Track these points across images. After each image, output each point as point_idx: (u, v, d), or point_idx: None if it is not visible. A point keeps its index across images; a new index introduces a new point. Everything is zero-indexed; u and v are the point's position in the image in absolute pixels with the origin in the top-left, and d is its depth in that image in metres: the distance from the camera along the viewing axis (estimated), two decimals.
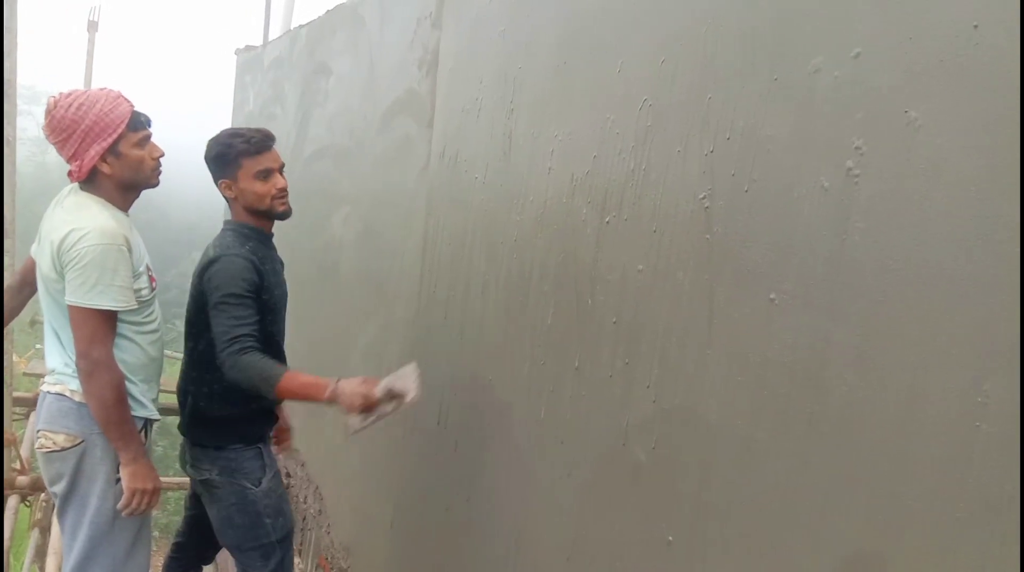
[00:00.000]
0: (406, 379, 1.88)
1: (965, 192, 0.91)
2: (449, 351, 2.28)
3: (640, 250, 1.48)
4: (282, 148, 4.56)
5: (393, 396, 1.87)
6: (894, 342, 0.98)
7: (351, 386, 1.88)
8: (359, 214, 3.16)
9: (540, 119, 1.87)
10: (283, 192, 2.23)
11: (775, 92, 1.20)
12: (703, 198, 1.33)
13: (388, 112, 2.90)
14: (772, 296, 1.18)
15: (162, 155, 2.18)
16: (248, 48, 5.89)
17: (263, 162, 2.19)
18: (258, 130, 2.24)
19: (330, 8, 3.83)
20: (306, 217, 3.53)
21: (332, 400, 1.89)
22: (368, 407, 1.86)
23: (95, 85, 7.00)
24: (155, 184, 2.20)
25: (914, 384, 0.95)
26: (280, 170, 2.24)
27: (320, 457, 3.41)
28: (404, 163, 2.72)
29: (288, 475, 3.87)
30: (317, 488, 3.41)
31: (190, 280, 2.32)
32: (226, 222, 2.30)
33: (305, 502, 3.56)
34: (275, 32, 5.89)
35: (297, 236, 3.67)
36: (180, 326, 2.47)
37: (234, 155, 2.17)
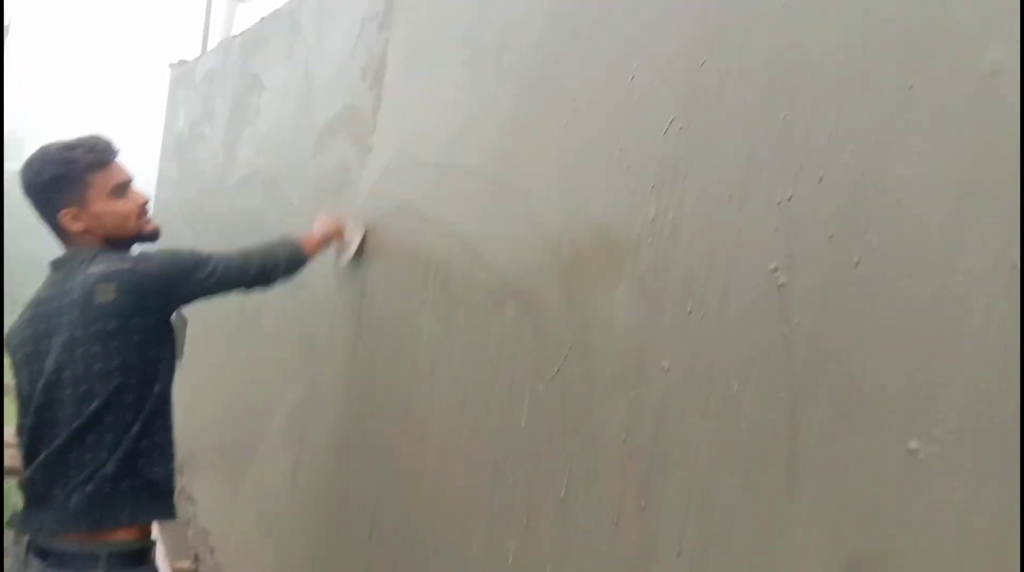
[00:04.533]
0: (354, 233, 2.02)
1: None
2: (387, 441, 1.76)
3: (666, 338, 1.00)
4: (209, 171, 4.04)
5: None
6: None
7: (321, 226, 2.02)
8: None
9: (514, 146, 1.40)
10: (145, 208, 1.73)
11: (910, 108, 0.75)
12: (775, 270, 0.86)
13: (323, 133, 2.40)
14: (912, 445, 0.70)
15: None
16: (182, 62, 5.34)
17: (116, 174, 1.68)
18: (95, 136, 1.69)
19: (265, 15, 3.33)
20: None
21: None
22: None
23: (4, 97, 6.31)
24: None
25: None
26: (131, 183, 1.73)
27: (232, 547, 2.83)
28: (339, 195, 2.22)
29: (197, 559, 3.26)
30: None
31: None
32: (74, 250, 1.65)
33: None
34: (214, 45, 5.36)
35: None
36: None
37: (79, 172, 1.62)
